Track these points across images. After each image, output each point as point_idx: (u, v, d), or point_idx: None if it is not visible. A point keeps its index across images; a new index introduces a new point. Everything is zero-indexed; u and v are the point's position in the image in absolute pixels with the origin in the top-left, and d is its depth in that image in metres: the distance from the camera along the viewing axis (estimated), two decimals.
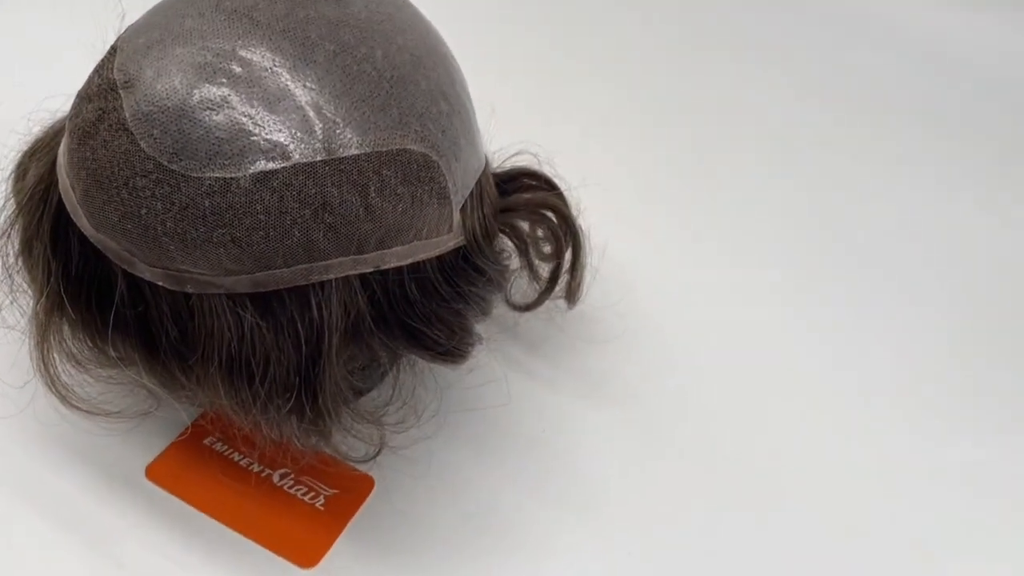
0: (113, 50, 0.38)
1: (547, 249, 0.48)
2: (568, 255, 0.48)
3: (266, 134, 0.35)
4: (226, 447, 0.47)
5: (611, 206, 0.52)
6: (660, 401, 0.50)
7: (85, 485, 0.44)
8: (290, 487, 0.46)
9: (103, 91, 0.37)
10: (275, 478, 0.46)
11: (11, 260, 0.43)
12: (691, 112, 0.69)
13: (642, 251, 0.56)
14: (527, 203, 0.46)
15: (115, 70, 0.37)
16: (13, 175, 0.46)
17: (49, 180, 0.40)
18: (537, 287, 0.48)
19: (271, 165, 0.35)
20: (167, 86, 0.36)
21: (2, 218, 0.43)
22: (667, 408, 0.50)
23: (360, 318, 0.38)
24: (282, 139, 0.35)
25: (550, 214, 0.47)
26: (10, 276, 0.42)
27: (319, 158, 0.36)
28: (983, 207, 0.63)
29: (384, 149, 0.37)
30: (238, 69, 0.36)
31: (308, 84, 0.36)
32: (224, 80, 0.36)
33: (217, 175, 0.35)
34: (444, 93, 0.40)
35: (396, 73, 0.38)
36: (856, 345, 0.54)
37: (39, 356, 0.40)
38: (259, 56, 0.36)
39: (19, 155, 0.46)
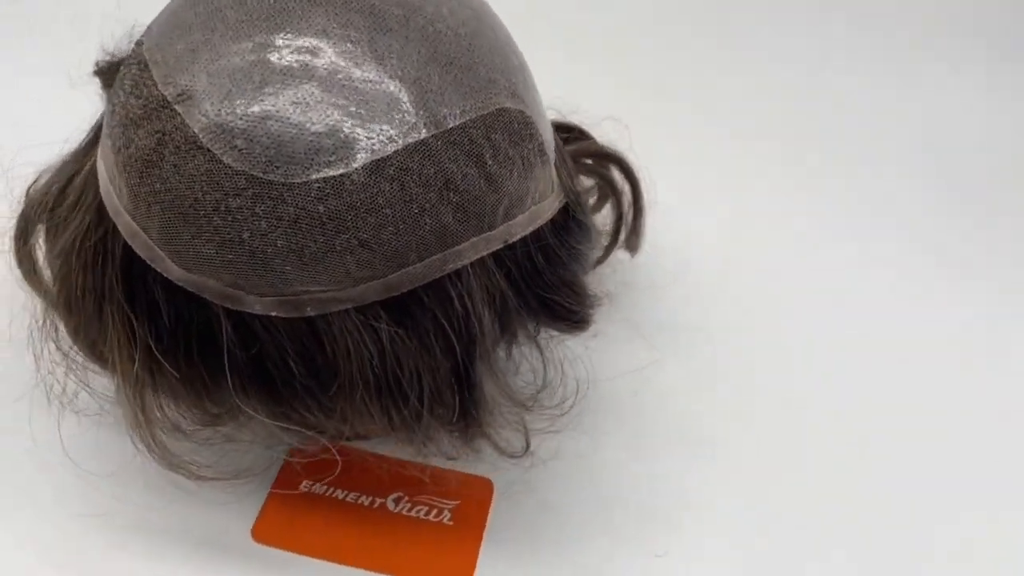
0: (142, 64, 0.34)
1: (592, 199, 0.46)
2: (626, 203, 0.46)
3: (365, 118, 0.31)
4: (325, 487, 0.43)
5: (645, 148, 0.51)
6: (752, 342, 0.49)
7: (196, 565, 0.39)
8: (409, 510, 0.42)
9: (152, 111, 0.32)
10: (389, 505, 0.43)
11: (53, 336, 0.37)
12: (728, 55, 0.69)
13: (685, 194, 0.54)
14: (581, 153, 0.44)
15: (159, 85, 0.33)
16: (14, 245, 0.40)
17: (100, 230, 0.35)
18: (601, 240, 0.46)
19: (381, 151, 0.31)
20: (236, 89, 0.32)
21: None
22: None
23: (504, 299, 0.35)
24: (384, 120, 0.32)
25: (607, 163, 0.45)
26: (67, 358, 0.37)
27: (428, 133, 0.32)
28: None
29: (486, 111, 0.33)
30: (311, 54, 0.32)
31: (391, 56, 0.33)
32: (300, 69, 0.32)
33: (325, 175, 0.31)
34: (510, 45, 0.37)
35: (466, 29, 0.35)
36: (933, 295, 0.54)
37: (143, 435, 0.35)
38: (330, 35, 0.32)
39: (17, 219, 0.40)
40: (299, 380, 0.34)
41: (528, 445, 0.37)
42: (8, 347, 0.43)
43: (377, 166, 0.31)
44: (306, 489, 0.43)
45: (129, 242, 0.33)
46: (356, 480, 0.43)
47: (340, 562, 0.40)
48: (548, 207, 0.37)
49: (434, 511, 0.42)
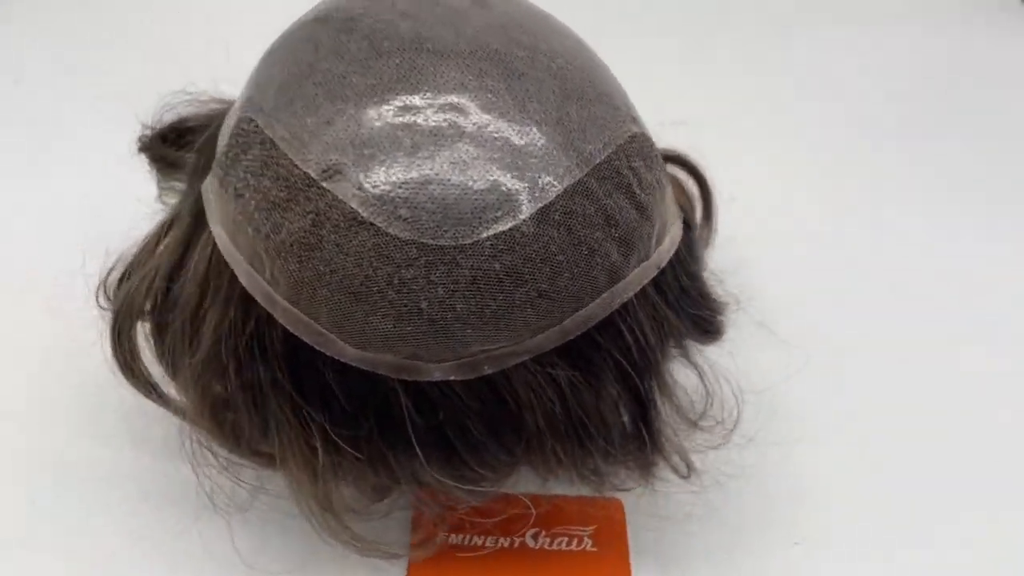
0: (267, 143, 0.32)
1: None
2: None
3: (523, 168, 0.31)
4: (460, 536, 0.42)
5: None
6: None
7: None
8: (550, 544, 0.42)
9: (298, 192, 0.31)
10: (529, 542, 0.42)
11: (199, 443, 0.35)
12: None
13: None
14: None
15: (299, 163, 0.31)
16: (113, 350, 0.38)
17: (251, 324, 0.33)
18: None
19: (544, 198, 0.31)
20: (387, 157, 0.30)
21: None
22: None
23: (667, 323, 0.35)
24: (540, 167, 0.31)
25: (673, 165, 0.45)
26: (226, 468, 0.35)
27: (582, 172, 0.32)
28: None
29: (622, 140, 0.33)
30: (456, 111, 0.31)
31: (531, 100, 0.32)
32: (450, 127, 0.31)
33: (495, 231, 0.30)
34: (606, 67, 0.37)
35: (580, 60, 0.35)
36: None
37: (329, 524, 0.33)
38: (469, 89, 0.32)
39: (112, 323, 0.38)
40: (481, 439, 0.33)
41: (691, 464, 0.37)
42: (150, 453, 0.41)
43: (543, 214, 0.31)
44: (442, 542, 0.42)
45: (292, 330, 0.32)
46: (489, 523, 0.42)
47: None
48: (677, 225, 0.37)
49: (574, 540, 0.42)
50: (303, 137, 0.31)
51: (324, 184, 0.31)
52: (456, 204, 0.30)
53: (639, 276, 0.33)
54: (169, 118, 0.45)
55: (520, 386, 0.32)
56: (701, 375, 0.36)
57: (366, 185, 0.30)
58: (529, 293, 0.31)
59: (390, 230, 0.30)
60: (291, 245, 0.31)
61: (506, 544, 0.42)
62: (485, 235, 0.30)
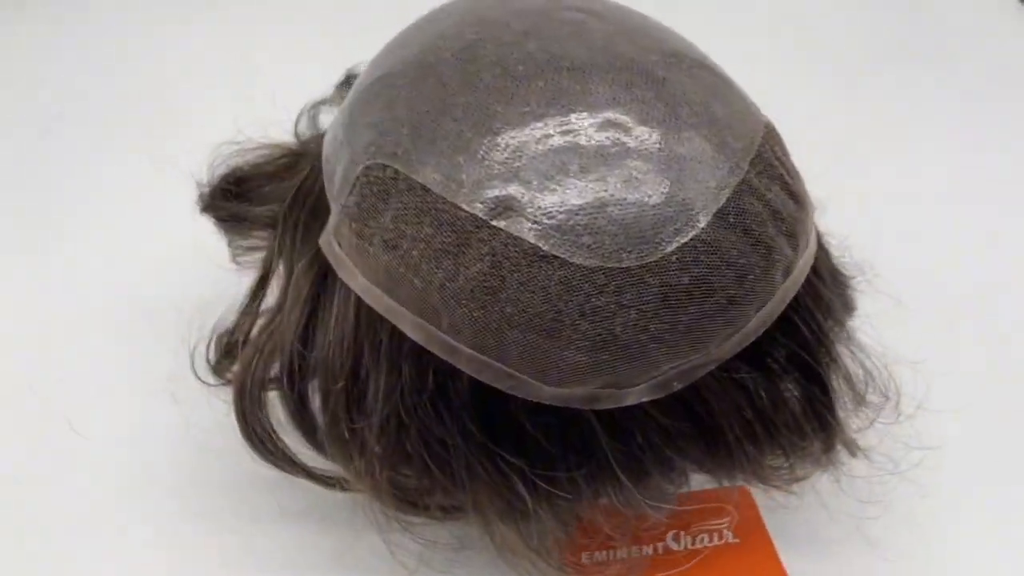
0: (415, 189, 0.30)
1: None
2: None
3: (692, 175, 0.30)
4: (604, 552, 0.41)
5: None
6: None
7: None
8: (692, 544, 0.42)
9: (468, 234, 0.30)
10: (672, 545, 0.42)
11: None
12: None
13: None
14: None
15: (462, 205, 0.30)
16: (241, 424, 0.35)
17: (429, 377, 0.31)
18: None
19: (716, 202, 0.30)
20: (557, 185, 0.29)
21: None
22: None
23: (831, 307, 0.35)
24: (706, 172, 0.31)
25: None
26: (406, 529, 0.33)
27: (743, 171, 0.31)
28: None
29: (762, 131, 0.33)
30: (615, 127, 0.30)
31: (681, 105, 0.31)
32: (614, 144, 0.30)
33: (677, 243, 0.30)
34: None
35: (699, 57, 0.34)
36: None
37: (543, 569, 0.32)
38: (622, 103, 0.31)
39: (236, 397, 0.36)
40: (671, 456, 0.33)
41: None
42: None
43: (719, 219, 0.30)
44: (588, 560, 0.41)
45: (479, 378, 0.31)
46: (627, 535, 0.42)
47: None
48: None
49: (715, 535, 0.42)
50: (458, 177, 0.30)
51: (495, 223, 0.29)
52: (636, 223, 0.29)
53: (804, 266, 0.33)
54: (222, 171, 0.43)
55: (711, 397, 0.32)
56: (856, 354, 0.36)
57: (541, 217, 0.29)
58: (719, 301, 0.30)
59: (575, 260, 0.29)
60: (471, 291, 0.30)
61: (650, 552, 0.41)
62: (669, 249, 0.30)
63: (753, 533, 0.42)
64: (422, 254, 0.30)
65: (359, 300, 0.33)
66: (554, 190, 0.29)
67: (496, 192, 0.30)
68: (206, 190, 0.43)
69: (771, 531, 0.42)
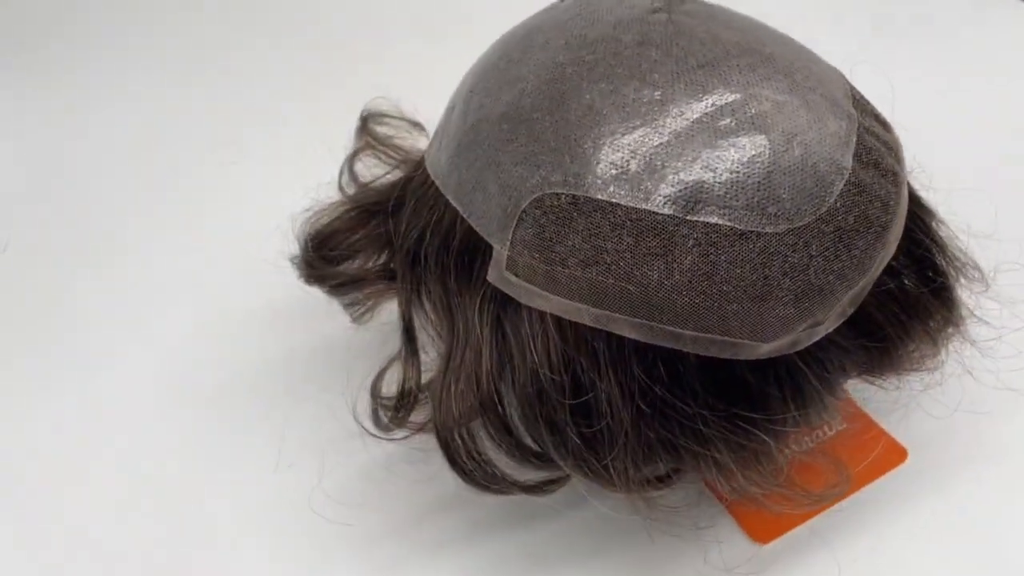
0: (601, 207, 0.33)
1: None
2: None
3: (827, 130, 0.35)
4: None
5: None
6: None
7: None
8: (812, 441, 0.47)
9: (671, 233, 0.33)
10: (795, 448, 0.47)
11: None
12: None
13: None
14: None
15: (656, 209, 0.33)
16: (465, 467, 0.38)
17: (659, 368, 0.35)
18: None
19: (850, 147, 0.35)
20: (731, 167, 0.33)
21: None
22: None
23: (925, 206, 0.41)
24: (835, 123, 0.35)
25: None
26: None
27: (854, 112, 0.36)
28: None
29: (842, 76, 0.38)
30: (756, 101, 0.34)
31: (793, 73, 0.35)
32: (760, 117, 0.34)
33: (837, 191, 0.34)
34: None
35: (769, 30, 0.38)
36: None
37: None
38: (753, 83, 0.35)
39: (445, 446, 0.37)
40: (854, 368, 0.38)
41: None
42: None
43: (857, 161, 0.35)
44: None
45: (703, 354, 0.34)
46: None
47: (820, 511, 0.44)
48: None
49: (826, 427, 0.48)
50: (642, 185, 0.33)
51: (691, 218, 0.33)
52: (803, 183, 0.33)
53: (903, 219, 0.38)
54: (304, 238, 0.44)
55: (872, 311, 0.37)
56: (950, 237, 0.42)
57: (729, 200, 0.33)
58: (876, 231, 0.35)
59: (767, 229, 0.33)
60: (689, 281, 0.33)
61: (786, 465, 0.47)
62: (833, 198, 0.34)
63: (858, 417, 0.48)
64: (632, 261, 0.33)
65: (558, 320, 0.35)
66: (732, 172, 0.33)
67: (679, 189, 0.33)
68: (301, 262, 0.43)
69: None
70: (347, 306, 0.45)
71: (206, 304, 0.55)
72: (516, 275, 0.36)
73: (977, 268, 0.42)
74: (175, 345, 0.53)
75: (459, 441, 0.38)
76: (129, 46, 0.79)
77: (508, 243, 0.35)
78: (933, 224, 0.40)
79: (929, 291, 0.39)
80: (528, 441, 0.38)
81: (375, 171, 0.48)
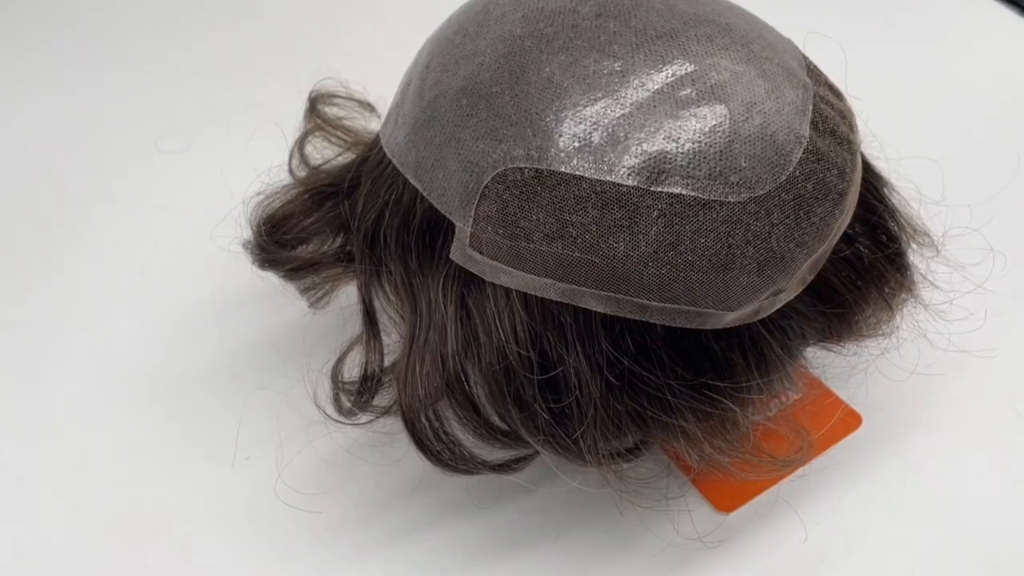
0: (566, 180, 0.33)
1: None
2: None
3: (785, 98, 0.35)
4: None
5: None
6: None
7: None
8: (771, 410, 0.48)
9: (636, 204, 0.33)
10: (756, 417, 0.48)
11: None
12: None
13: None
14: None
15: (620, 180, 0.33)
16: (431, 449, 0.37)
17: (627, 340, 0.35)
18: None
19: (806, 114, 0.35)
20: (693, 138, 0.33)
21: None
22: None
23: (876, 172, 0.42)
24: (792, 93, 0.35)
25: None
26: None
27: (808, 81, 0.36)
28: None
29: (796, 46, 0.38)
30: (716, 70, 0.34)
31: (751, 43, 0.36)
32: (720, 88, 0.34)
33: (795, 158, 0.34)
34: None
35: (724, 2, 0.38)
36: None
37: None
38: (711, 53, 0.35)
39: (411, 429, 0.37)
40: (814, 334, 0.39)
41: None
42: None
43: (814, 129, 0.35)
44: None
45: (670, 324, 0.34)
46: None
47: (781, 478, 0.45)
48: None
49: (785, 396, 0.48)
50: (606, 157, 0.33)
51: (656, 188, 0.33)
52: (763, 152, 0.34)
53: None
54: (256, 222, 0.43)
55: (831, 277, 0.38)
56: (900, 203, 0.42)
57: (692, 170, 0.33)
58: (833, 197, 0.35)
59: (730, 198, 0.33)
60: (655, 252, 0.33)
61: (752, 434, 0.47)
62: (792, 166, 0.34)
63: (812, 385, 0.49)
64: (596, 234, 0.33)
65: (524, 296, 0.35)
66: (694, 142, 0.33)
67: (643, 160, 0.33)
68: (254, 247, 0.42)
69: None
70: (303, 291, 0.44)
71: (159, 294, 0.54)
72: (480, 252, 0.35)
73: (927, 234, 0.43)
74: (128, 337, 0.52)
75: (425, 423, 0.37)
76: (68, 31, 0.76)
77: (471, 220, 0.35)
78: (885, 191, 0.41)
79: (884, 257, 0.40)
80: (495, 420, 0.38)
81: (326, 153, 0.47)
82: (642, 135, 0.33)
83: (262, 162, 0.48)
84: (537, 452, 0.39)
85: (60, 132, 0.66)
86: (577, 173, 0.33)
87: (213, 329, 0.52)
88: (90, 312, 0.54)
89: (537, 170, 0.34)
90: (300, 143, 0.48)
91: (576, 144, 0.33)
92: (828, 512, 0.43)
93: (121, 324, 0.53)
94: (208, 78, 0.71)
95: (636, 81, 0.34)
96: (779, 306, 0.36)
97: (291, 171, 0.47)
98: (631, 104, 0.33)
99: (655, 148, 0.33)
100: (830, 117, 0.36)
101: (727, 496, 0.45)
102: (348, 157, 0.46)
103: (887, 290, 0.40)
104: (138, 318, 0.53)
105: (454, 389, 0.37)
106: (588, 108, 0.34)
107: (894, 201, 0.41)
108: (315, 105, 0.49)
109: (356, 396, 0.40)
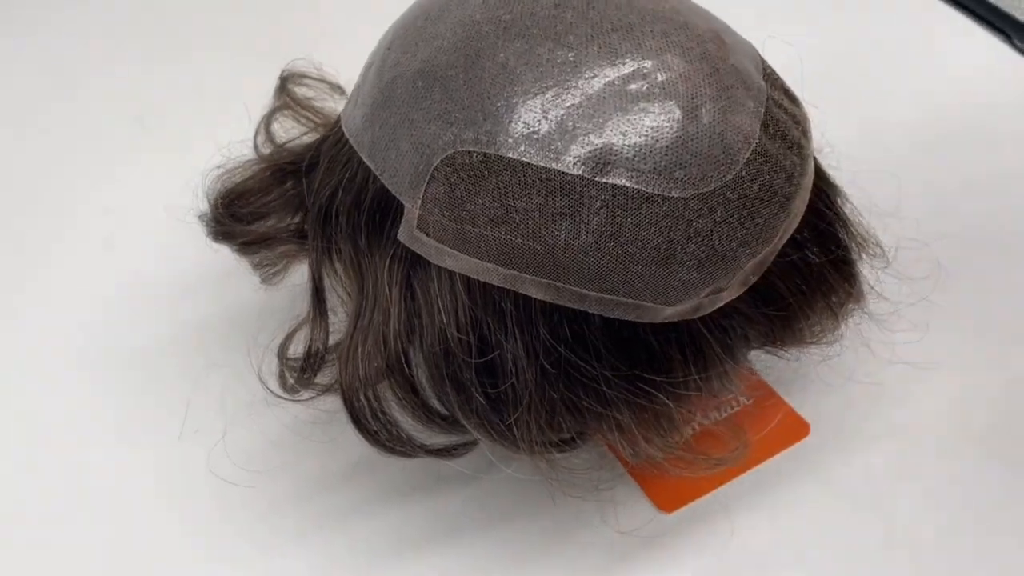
0: (513, 166, 0.34)
1: None
2: None
3: (736, 97, 0.35)
4: None
5: None
6: None
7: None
8: (720, 415, 0.48)
9: (580, 194, 0.33)
10: (704, 421, 0.48)
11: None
12: None
13: None
14: None
15: (566, 169, 0.33)
16: (369, 427, 0.38)
17: (564, 330, 0.35)
18: None
19: (759, 117, 0.35)
20: (641, 131, 0.33)
21: None
22: None
23: (828, 178, 0.42)
24: (745, 92, 0.35)
25: None
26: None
27: (764, 84, 0.36)
28: None
29: (754, 48, 0.39)
30: (666, 69, 0.34)
31: (707, 42, 0.35)
32: (671, 84, 0.34)
33: (743, 158, 0.34)
34: None
35: None
36: None
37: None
38: (664, 50, 0.35)
39: (349, 406, 0.38)
40: (756, 337, 0.39)
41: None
42: None
43: (764, 132, 0.35)
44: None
45: (608, 315, 0.35)
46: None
47: (722, 483, 0.45)
48: None
49: (733, 402, 0.49)
50: (553, 145, 0.33)
51: (600, 179, 0.33)
52: (710, 150, 0.34)
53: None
54: (214, 196, 0.43)
55: (776, 280, 0.38)
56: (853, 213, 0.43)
57: (638, 163, 0.33)
58: (779, 200, 0.36)
59: (674, 193, 0.33)
60: (595, 242, 0.33)
61: (689, 431, 0.48)
62: (739, 166, 0.34)
63: (760, 392, 0.49)
64: (539, 221, 0.33)
65: (467, 280, 0.35)
66: (641, 135, 0.33)
67: (589, 151, 0.33)
68: (210, 220, 0.42)
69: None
70: (256, 266, 0.44)
71: (113, 266, 0.54)
72: (427, 234, 0.36)
73: (879, 245, 0.43)
74: (81, 309, 0.52)
75: (364, 402, 0.38)
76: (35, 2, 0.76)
77: (419, 201, 0.35)
78: (838, 200, 0.41)
79: (831, 265, 0.40)
80: (434, 403, 0.38)
81: (292, 133, 0.47)
82: (590, 126, 0.33)
83: (225, 138, 0.48)
84: (476, 441, 0.40)
85: (27, 98, 0.66)
86: (524, 160, 0.33)
87: (167, 302, 0.52)
88: (47, 281, 0.54)
89: (485, 154, 0.34)
90: (267, 120, 0.48)
91: (525, 131, 0.34)
92: (765, 520, 0.43)
93: (76, 295, 0.53)
94: (179, 53, 0.70)
95: (588, 72, 0.34)
96: (720, 304, 0.37)
97: (256, 147, 0.47)
98: (581, 95, 0.34)
99: (602, 140, 0.33)
100: (782, 121, 0.36)
101: (669, 495, 0.45)
102: (314, 137, 0.46)
103: (834, 299, 0.41)
104: (93, 289, 0.53)
105: (394, 370, 0.37)
106: (539, 96, 0.34)
107: (846, 211, 0.42)
108: (285, 84, 0.49)
109: (299, 373, 0.40)
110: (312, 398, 0.40)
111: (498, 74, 0.34)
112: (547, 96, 0.34)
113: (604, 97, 0.34)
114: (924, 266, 0.47)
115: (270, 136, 0.47)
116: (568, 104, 0.34)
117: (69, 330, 0.51)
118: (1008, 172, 0.58)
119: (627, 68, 0.34)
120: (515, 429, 0.36)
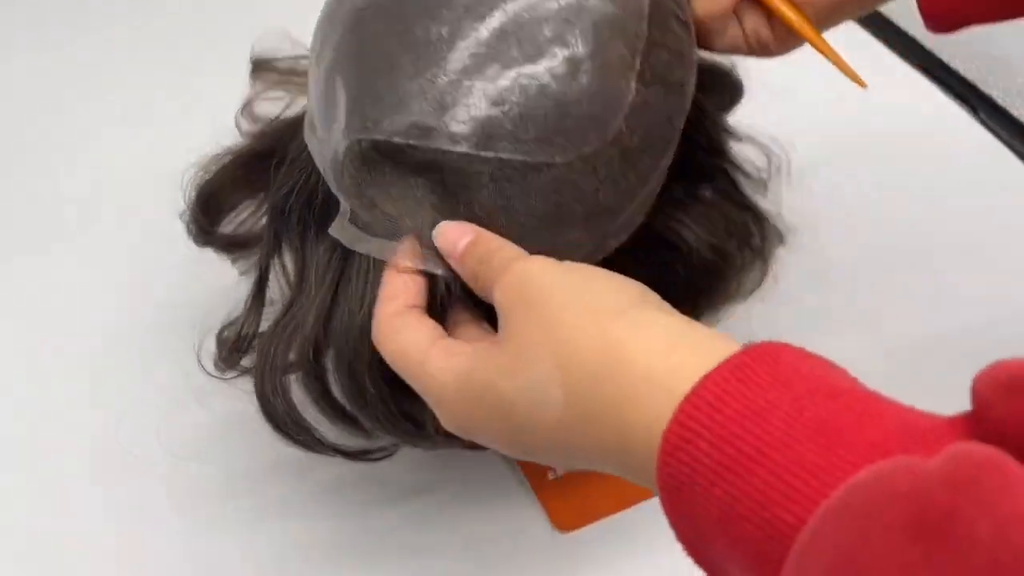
0: (391, 148, 0.36)
1: None
2: None
3: (611, 51, 0.36)
4: None
5: None
6: None
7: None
8: None
9: (464, 167, 0.35)
10: None
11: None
12: None
13: None
14: None
15: (448, 147, 0.35)
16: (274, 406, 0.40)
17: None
18: None
19: (633, 67, 0.37)
20: (519, 98, 0.35)
21: None
22: None
23: (716, 109, 0.46)
24: (619, 43, 0.36)
25: None
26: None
27: (645, 29, 0.37)
28: None
29: None
30: (544, 38, 0.36)
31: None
32: (549, 49, 0.36)
33: (622, 114, 0.36)
34: None
35: None
36: None
37: None
38: (550, 20, 0.36)
39: (260, 384, 0.40)
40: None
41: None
42: None
43: (640, 81, 0.37)
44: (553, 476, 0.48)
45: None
46: None
47: (627, 506, 0.46)
48: None
49: None
50: (436, 124, 0.35)
51: (484, 153, 0.35)
52: (589, 111, 0.35)
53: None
54: (192, 197, 0.46)
55: (682, 225, 0.41)
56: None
57: (520, 134, 0.35)
58: (660, 146, 0.37)
59: (557, 159, 0.35)
60: (488, 216, 0.36)
61: None
62: (618, 122, 0.36)
63: None
64: (432, 201, 0.36)
65: (382, 265, 0.37)
66: (517, 107, 0.35)
67: (471, 126, 0.35)
68: (190, 223, 0.46)
69: None
70: (233, 261, 0.47)
71: (102, 251, 0.58)
72: (356, 225, 0.37)
73: (763, 181, 0.45)
74: (45, 290, 0.55)
75: (277, 387, 0.39)
76: None
77: (343, 194, 0.38)
78: (721, 130, 0.43)
79: (729, 200, 0.42)
80: (340, 399, 0.40)
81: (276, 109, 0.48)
82: (469, 101, 0.35)
83: (197, 133, 0.47)
84: (386, 448, 0.42)
85: (12, 93, 0.70)
86: (410, 142, 0.35)
87: (137, 285, 0.55)
88: (23, 275, 0.57)
89: (374, 141, 0.36)
90: (248, 103, 0.49)
91: (407, 115, 0.35)
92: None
93: (55, 276, 0.56)
94: (162, 44, 0.73)
95: (462, 44, 0.35)
96: (608, 253, 0.38)
97: (241, 133, 0.48)
98: (457, 71, 0.35)
99: (482, 114, 0.35)
100: (664, 63, 0.37)
101: (569, 515, 0.46)
102: (299, 106, 0.46)
103: (744, 232, 0.42)
104: (76, 272, 0.56)
105: (305, 359, 0.39)
106: (417, 79, 0.35)
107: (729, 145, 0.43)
108: (256, 68, 0.50)
109: (228, 352, 0.43)
110: (235, 377, 0.42)
111: (380, 60, 0.36)
112: (425, 76, 0.35)
113: (480, 68, 0.35)
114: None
115: (253, 118, 0.49)
116: (445, 82, 0.35)
117: (33, 323, 0.54)
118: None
119: (501, 36, 0.35)
120: (413, 418, 0.38)
